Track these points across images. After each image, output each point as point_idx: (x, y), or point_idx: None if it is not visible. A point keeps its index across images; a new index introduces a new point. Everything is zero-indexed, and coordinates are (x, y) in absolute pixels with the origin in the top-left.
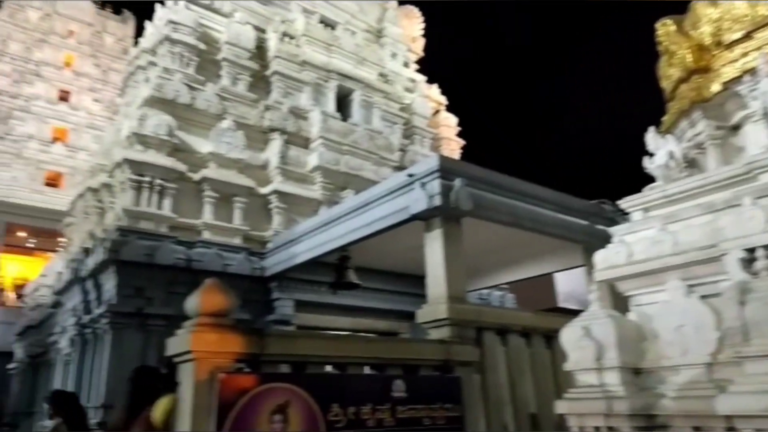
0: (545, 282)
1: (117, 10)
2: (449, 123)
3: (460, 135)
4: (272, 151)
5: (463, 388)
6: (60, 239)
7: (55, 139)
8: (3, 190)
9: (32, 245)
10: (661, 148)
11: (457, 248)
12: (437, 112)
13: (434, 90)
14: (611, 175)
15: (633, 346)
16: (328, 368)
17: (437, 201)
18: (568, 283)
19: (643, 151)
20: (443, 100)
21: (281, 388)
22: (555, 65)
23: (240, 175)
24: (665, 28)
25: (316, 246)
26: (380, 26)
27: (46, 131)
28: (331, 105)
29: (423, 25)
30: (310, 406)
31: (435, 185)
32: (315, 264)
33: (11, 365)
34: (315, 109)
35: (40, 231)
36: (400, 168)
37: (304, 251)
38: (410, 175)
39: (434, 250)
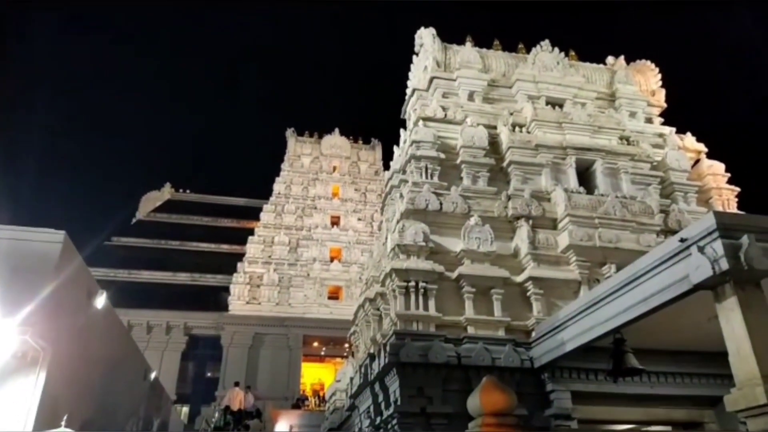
0: None
1: (366, 140)
2: (715, 171)
3: (731, 181)
4: (520, 238)
5: None
6: (345, 345)
7: (332, 258)
8: (299, 308)
9: (323, 353)
10: None
11: (763, 316)
12: (697, 161)
13: (689, 139)
14: None
15: None
16: None
17: (724, 265)
18: None
19: None
20: (702, 147)
21: None
22: None
23: (493, 267)
24: None
25: (585, 331)
26: (611, 90)
27: (325, 252)
28: (572, 181)
29: (659, 77)
30: None
31: (717, 247)
32: (587, 350)
33: None
34: (556, 188)
35: (329, 339)
36: (664, 232)
37: (572, 337)
38: (682, 240)
39: (732, 321)
